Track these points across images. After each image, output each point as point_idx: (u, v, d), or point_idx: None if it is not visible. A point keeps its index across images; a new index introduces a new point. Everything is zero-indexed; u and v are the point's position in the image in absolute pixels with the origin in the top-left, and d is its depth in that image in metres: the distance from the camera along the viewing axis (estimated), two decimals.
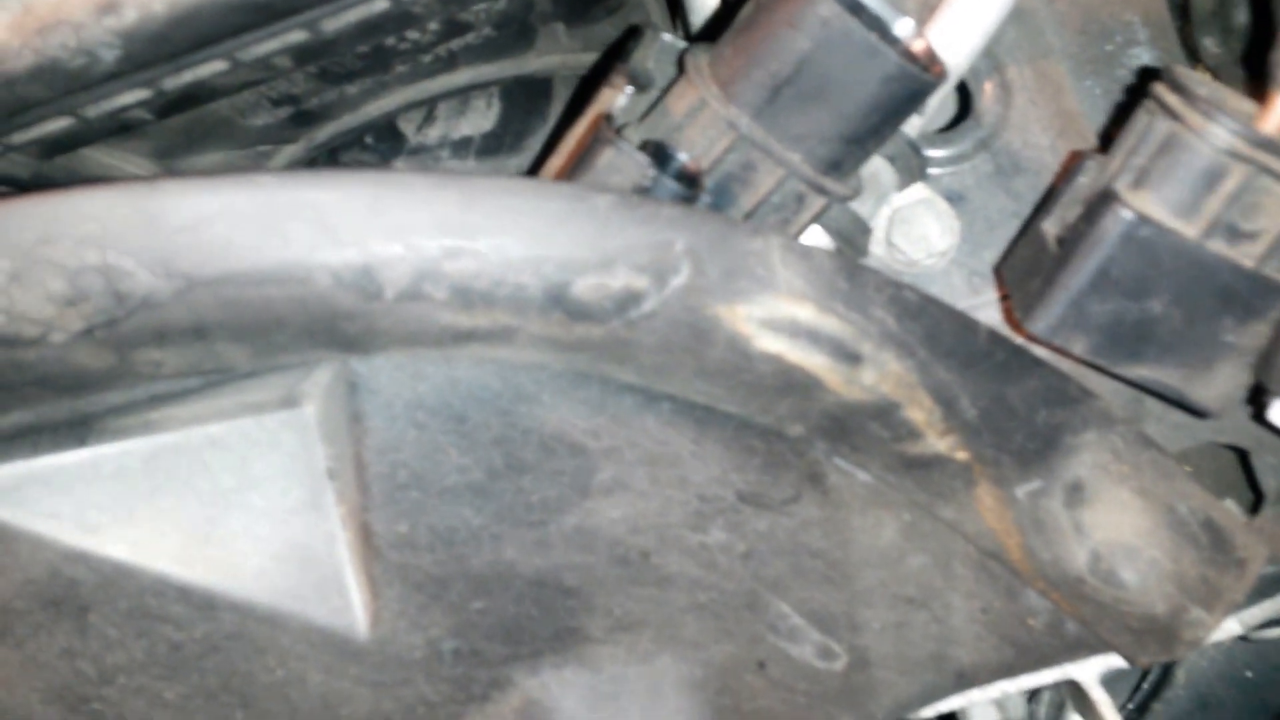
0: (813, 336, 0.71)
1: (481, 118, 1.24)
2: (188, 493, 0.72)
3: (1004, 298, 0.93)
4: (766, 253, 0.70)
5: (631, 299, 0.69)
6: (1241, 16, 1.01)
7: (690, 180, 0.76)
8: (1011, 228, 0.95)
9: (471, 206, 0.66)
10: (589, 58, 1.18)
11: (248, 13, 0.78)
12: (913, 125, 0.87)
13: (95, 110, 0.82)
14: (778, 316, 0.70)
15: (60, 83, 0.78)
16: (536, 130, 1.26)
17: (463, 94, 1.17)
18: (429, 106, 1.19)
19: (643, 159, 0.76)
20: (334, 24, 0.82)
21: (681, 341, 0.70)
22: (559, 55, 1.16)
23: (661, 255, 0.68)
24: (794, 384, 0.73)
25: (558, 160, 0.83)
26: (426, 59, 1.06)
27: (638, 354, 0.71)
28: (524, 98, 1.24)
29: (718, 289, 0.69)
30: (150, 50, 0.77)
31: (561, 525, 0.78)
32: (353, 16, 0.82)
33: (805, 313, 0.71)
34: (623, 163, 0.75)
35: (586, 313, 0.69)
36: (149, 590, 0.73)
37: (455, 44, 1.05)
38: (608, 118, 0.79)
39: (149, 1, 0.75)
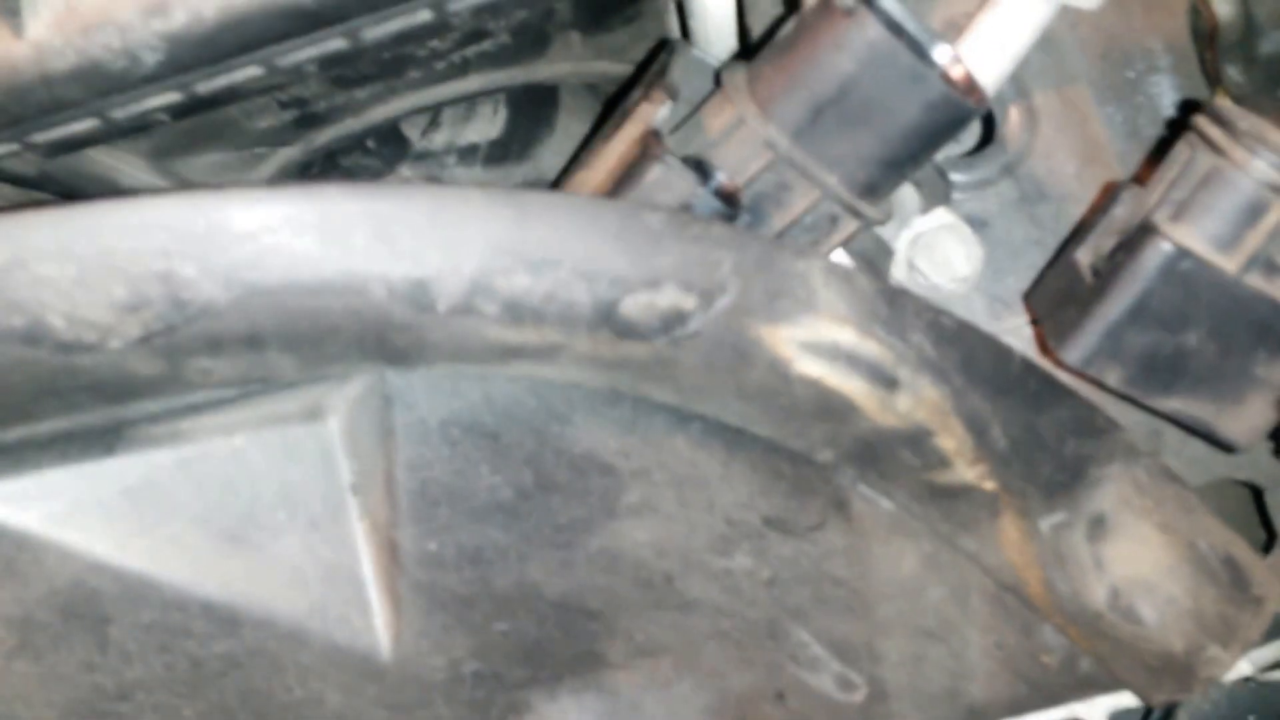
0: (851, 360, 0.70)
1: (488, 124, 1.23)
2: (212, 504, 0.71)
3: (1034, 322, 0.93)
4: (809, 274, 0.70)
5: (678, 318, 0.68)
6: (1267, 45, 1.00)
7: (729, 199, 0.76)
8: (1035, 255, 0.94)
9: (528, 223, 0.66)
10: (599, 66, 1.17)
11: (295, 20, 0.76)
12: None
13: (123, 113, 0.80)
14: (819, 339, 0.70)
15: (99, 84, 0.76)
16: (543, 139, 1.25)
17: (469, 100, 1.16)
18: (434, 111, 1.18)
19: (690, 176, 0.75)
20: (374, 33, 0.81)
21: (723, 362, 0.70)
22: (570, 63, 1.15)
23: (709, 275, 0.68)
24: (830, 408, 0.72)
25: (597, 174, 0.82)
26: (440, 65, 1.05)
27: (678, 374, 0.71)
28: (530, 105, 1.23)
29: (761, 310, 0.69)
30: (193, 55, 0.76)
31: (588, 546, 0.77)
32: (394, 26, 0.81)
33: (845, 336, 0.70)
34: (671, 179, 0.75)
35: (633, 331, 0.68)
36: (171, 604, 0.71)
37: (471, 50, 1.04)
38: (655, 134, 0.79)
39: (199, 5, 0.74)
